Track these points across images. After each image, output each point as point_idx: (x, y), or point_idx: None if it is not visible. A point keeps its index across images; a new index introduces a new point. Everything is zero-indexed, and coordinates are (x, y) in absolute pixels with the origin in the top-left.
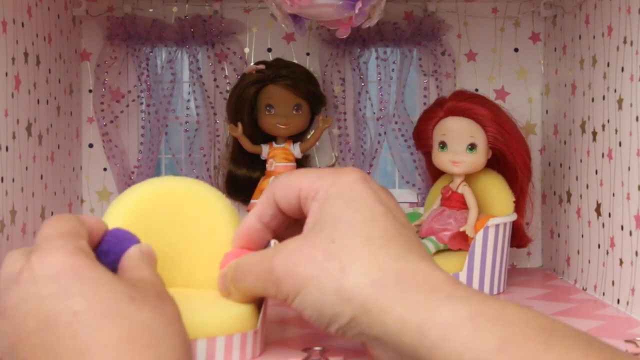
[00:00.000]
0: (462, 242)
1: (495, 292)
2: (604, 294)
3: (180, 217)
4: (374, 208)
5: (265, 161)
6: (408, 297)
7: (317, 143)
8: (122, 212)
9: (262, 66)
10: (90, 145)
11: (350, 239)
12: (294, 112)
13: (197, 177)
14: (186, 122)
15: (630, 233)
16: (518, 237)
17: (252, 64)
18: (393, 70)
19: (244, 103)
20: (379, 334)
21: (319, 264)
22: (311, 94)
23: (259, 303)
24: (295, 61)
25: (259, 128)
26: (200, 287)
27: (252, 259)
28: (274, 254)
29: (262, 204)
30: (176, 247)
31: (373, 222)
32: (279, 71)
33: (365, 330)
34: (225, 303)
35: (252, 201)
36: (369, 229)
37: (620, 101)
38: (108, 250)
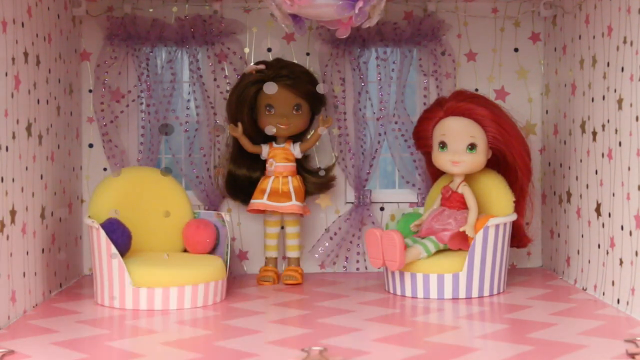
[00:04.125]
0: (462, 242)
1: (495, 292)
2: (604, 294)
3: (147, 196)
4: None
5: (265, 161)
6: None
7: (317, 143)
8: (110, 195)
9: (262, 66)
10: (90, 145)
11: None
12: (294, 112)
13: (197, 177)
14: (186, 122)
15: (630, 233)
16: (518, 237)
17: (252, 63)
18: (393, 70)
19: (244, 103)
20: None
21: None
22: (311, 94)
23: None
24: (295, 61)
25: (259, 128)
26: (164, 249)
27: None
28: None
29: None
30: (146, 218)
31: None
32: (279, 71)
33: None
34: (200, 262)
35: (252, 201)
36: None
37: (620, 101)
38: (114, 229)
